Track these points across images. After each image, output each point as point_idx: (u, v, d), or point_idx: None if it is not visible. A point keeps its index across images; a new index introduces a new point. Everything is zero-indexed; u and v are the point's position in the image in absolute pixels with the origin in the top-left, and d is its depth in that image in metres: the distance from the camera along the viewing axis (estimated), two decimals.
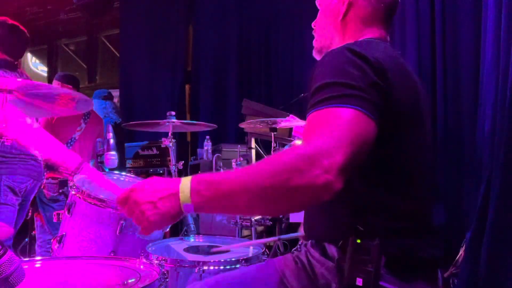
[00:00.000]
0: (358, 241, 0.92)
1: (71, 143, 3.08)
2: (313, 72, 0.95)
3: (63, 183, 2.80)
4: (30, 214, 2.87)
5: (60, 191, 2.79)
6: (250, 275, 1.13)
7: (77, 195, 1.79)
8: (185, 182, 0.84)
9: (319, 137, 0.80)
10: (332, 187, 0.77)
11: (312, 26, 1.25)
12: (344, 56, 0.92)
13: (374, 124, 0.84)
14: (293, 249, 1.23)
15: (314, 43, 1.23)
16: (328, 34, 1.17)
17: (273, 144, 2.58)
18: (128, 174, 2.28)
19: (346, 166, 0.77)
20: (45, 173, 2.85)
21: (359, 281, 0.89)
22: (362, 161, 0.83)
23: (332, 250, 0.99)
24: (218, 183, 0.83)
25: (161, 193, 0.86)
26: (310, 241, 1.09)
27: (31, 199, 2.53)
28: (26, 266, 1.20)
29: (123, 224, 1.73)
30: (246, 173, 0.82)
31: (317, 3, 1.23)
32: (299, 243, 1.20)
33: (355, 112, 0.82)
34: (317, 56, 1.22)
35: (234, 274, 1.17)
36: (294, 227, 2.76)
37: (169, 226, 1.96)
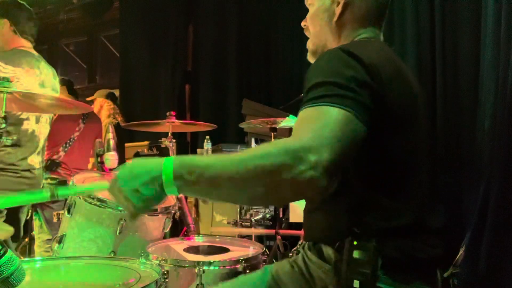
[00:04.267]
0: (355, 242, 0.92)
1: (70, 143, 3.08)
2: (308, 72, 0.95)
3: (62, 184, 2.79)
4: (30, 214, 2.87)
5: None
6: (249, 285, 1.13)
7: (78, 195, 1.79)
8: (168, 165, 0.83)
9: (308, 134, 0.80)
10: (316, 184, 0.77)
11: (302, 25, 1.22)
12: (338, 57, 0.91)
13: (362, 125, 0.84)
14: (293, 249, 1.24)
15: (309, 44, 1.20)
16: (323, 35, 1.15)
17: None
18: None
19: (332, 164, 0.77)
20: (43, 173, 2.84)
21: (356, 283, 0.89)
22: (350, 161, 0.83)
23: (328, 252, 0.99)
24: (201, 168, 0.82)
25: (143, 177, 0.85)
26: (307, 243, 1.09)
27: (23, 210, 2.38)
28: (26, 266, 1.20)
29: (123, 224, 1.74)
30: (231, 161, 0.81)
31: (307, 3, 1.19)
32: (299, 243, 1.20)
33: (345, 112, 0.82)
34: (311, 59, 1.20)
35: (233, 284, 1.18)
36: (294, 227, 2.76)
37: (169, 225, 1.97)
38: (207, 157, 0.86)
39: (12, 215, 2.26)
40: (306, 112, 0.86)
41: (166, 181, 0.83)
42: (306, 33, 1.21)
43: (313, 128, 0.81)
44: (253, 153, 0.81)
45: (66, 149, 3.07)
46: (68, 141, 3.08)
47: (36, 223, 2.93)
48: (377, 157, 0.92)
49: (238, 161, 0.80)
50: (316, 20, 1.16)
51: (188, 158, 0.85)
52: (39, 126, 2.34)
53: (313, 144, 0.77)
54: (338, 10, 1.10)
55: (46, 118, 2.40)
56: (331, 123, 0.81)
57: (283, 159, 0.77)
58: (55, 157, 3.01)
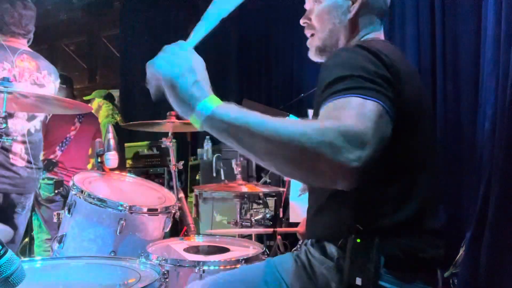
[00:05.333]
0: (358, 240, 0.92)
1: (66, 143, 3.08)
2: (325, 66, 0.93)
3: (59, 184, 2.79)
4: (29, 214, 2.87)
5: (56, 191, 2.78)
6: (251, 274, 1.13)
7: (78, 195, 1.80)
8: (215, 96, 0.85)
9: (354, 121, 0.77)
10: (355, 176, 0.75)
11: (302, 23, 1.18)
12: (358, 53, 0.92)
13: (391, 120, 0.83)
14: (293, 249, 1.23)
15: (314, 42, 1.16)
16: (335, 33, 1.12)
17: None
18: (129, 175, 2.28)
19: (370, 158, 0.75)
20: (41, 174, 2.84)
21: (358, 281, 0.89)
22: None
23: (331, 249, 0.99)
24: (249, 115, 0.80)
25: (202, 78, 0.87)
26: (310, 240, 1.09)
27: (17, 211, 2.30)
28: (26, 266, 1.20)
29: (123, 224, 1.74)
30: (284, 124, 0.78)
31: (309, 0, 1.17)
32: (299, 242, 1.20)
33: (379, 106, 0.81)
34: (315, 57, 1.17)
35: (234, 273, 1.18)
36: (294, 226, 2.76)
37: (169, 225, 1.96)
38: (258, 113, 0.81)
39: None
40: (339, 102, 0.82)
41: (210, 101, 0.83)
42: (307, 31, 1.18)
43: (356, 117, 0.78)
44: (307, 124, 0.78)
45: (62, 149, 3.07)
46: (65, 140, 3.08)
47: (34, 223, 2.94)
48: (386, 154, 0.92)
49: (290, 126, 0.77)
50: (327, 17, 1.13)
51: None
52: None
53: (362, 135, 0.75)
54: (354, 8, 1.10)
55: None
56: (371, 117, 0.79)
57: (336, 141, 0.73)
58: (51, 156, 3.01)
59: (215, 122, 0.82)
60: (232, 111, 0.81)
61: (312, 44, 1.17)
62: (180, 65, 0.86)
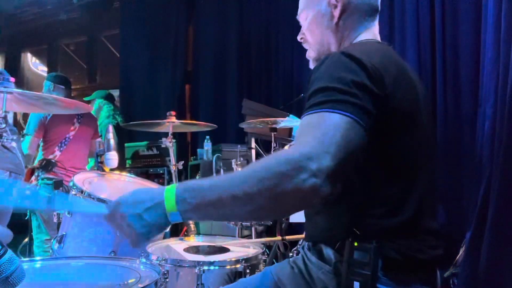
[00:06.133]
0: (355, 243, 0.92)
1: (65, 143, 3.08)
2: (310, 77, 0.95)
3: (58, 184, 2.79)
4: (29, 214, 2.87)
5: (56, 191, 2.78)
6: (249, 286, 1.14)
7: (78, 195, 1.79)
8: (170, 191, 0.85)
9: (308, 142, 0.80)
10: (319, 191, 0.77)
11: (299, 39, 1.22)
12: (339, 61, 0.91)
13: (363, 130, 0.83)
14: (292, 249, 1.23)
15: (310, 54, 1.19)
16: (325, 40, 1.14)
17: (273, 144, 2.58)
18: (129, 175, 2.28)
19: (334, 171, 0.77)
20: (39, 173, 2.84)
21: (356, 285, 0.89)
22: (354, 167, 0.83)
23: (329, 253, 0.99)
24: (205, 191, 0.83)
25: (146, 204, 0.86)
26: (307, 243, 1.09)
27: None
28: (26, 266, 1.20)
29: None
30: (233, 180, 0.82)
31: (301, 18, 1.20)
32: (299, 243, 1.20)
33: (345, 118, 0.82)
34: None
35: (234, 287, 1.18)
36: (294, 227, 2.76)
37: (169, 225, 1.96)
38: (209, 179, 0.85)
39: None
40: (306, 120, 0.86)
41: (170, 206, 0.84)
42: (305, 45, 1.21)
43: (313, 135, 0.81)
44: (254, 168, 0.82)
45: (61, 149, 3.08)
46: (64, 140, 3.09)
47: (34, 223, 2.93)
48: (379, 158, 0.92)
49: (241, 178, 0.81)
50: (314, 27, 1.15)
51: (191, 182, 0.87)
52: None
53: (313, 151, 0.78)
54: (337, 12, 1.10)
55: None
56: (331, 130, 0.81)
57: (284, 169, 0.77)
58: (50, 156, 3.01)
59: (190, 215, 0.86)
60: (192, 197, 0.83)
61: (310, 56, 1.21)
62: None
